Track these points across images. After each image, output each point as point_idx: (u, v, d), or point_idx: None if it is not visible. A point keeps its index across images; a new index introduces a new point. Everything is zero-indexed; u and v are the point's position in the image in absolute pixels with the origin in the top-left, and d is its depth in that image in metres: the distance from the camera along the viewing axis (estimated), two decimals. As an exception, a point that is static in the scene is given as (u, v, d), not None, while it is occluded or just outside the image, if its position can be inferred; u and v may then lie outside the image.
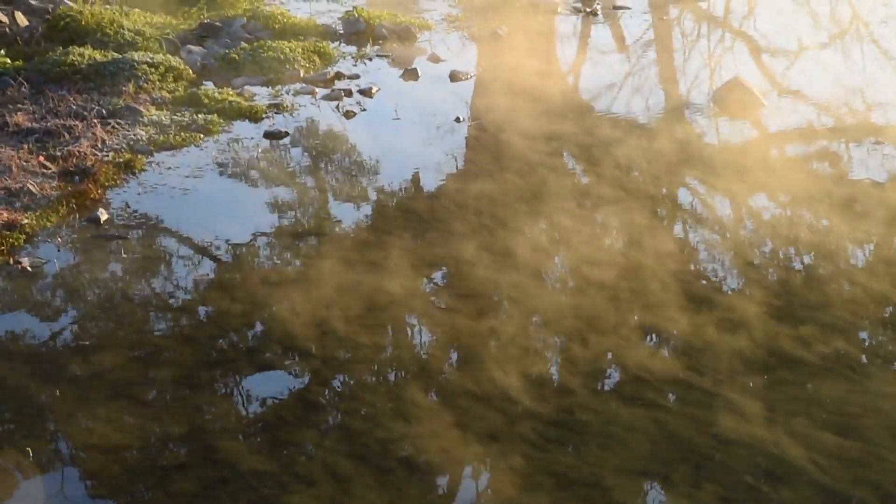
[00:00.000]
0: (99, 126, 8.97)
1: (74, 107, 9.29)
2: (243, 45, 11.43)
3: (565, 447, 5.29)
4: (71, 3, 11.68)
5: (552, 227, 7.65)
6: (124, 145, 8.81)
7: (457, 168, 8.88)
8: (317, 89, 10.55)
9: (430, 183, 8.51)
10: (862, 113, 10.46)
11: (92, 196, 7.88)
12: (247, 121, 9.65)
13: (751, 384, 5.83)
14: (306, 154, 9.09)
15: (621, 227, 7.71)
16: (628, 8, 14.29)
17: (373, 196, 8.25)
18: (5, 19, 11.14)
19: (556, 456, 5.20)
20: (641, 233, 7.51)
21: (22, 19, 11.28)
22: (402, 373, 5.89)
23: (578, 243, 7.34)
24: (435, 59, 11.79)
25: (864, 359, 6.11)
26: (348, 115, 9.99)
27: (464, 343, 6.12)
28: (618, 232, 7.68)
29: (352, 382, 5.79)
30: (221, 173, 8.54)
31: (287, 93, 10.46)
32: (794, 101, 10.87)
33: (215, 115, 9.58)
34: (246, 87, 10.45)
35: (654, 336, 6.29)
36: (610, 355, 6.08)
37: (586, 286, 6.76)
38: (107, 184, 8.13)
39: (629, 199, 8.08)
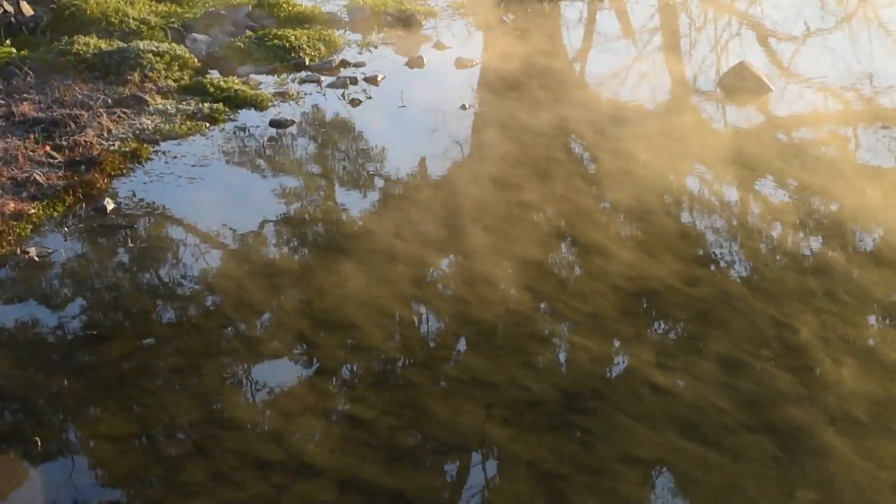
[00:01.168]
0: (105, 115, 8.96)
1: (80, 96, 9.28)
2: (248, 33, 11.41)
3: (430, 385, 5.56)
4: (76, -7, 11.66)
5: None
6: (130, 134, 8.80)
7: (462, 155, 8.87)
8: (322, 77, 10.53)
9: (436, 170, 8.50)
10: (869, 97, 10.41)
11: (98, 185, 7.88)
12: (252, 109, 9.63)
13: (632, 319, 6.18)
14: (312, 142, 9.08)
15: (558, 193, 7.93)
16: (634, -7, 14.23)
17: (379, 184, 8.24)
18: (10, 9, 11.12)
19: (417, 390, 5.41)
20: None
21: (27, 9, 11.26)
22: (408, 358, 5.90)
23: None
24: (440, 47, 11.76)
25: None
26: (354, 103, 9.97)
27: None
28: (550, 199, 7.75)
29: (360, 372, 5.79)
30: (227, 162, 8.54)
31: (293, 81, 10.44)
32: (801, 86, 10.83)
33: (221, 103, 9.57)
34: (251, 75, 10.44)
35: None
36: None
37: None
38: (113, 173, 8.13)
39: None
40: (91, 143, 8.45)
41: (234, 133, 9.12)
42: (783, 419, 5.37)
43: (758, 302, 6.42)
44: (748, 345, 5.98)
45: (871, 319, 6.31)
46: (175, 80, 10.01)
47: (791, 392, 5.58)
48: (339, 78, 10.51)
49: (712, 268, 6.97)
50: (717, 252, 7.24)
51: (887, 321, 6.31)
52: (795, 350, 5.97)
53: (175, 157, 8.54)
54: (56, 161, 8.15)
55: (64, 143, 8.42)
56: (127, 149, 8.51)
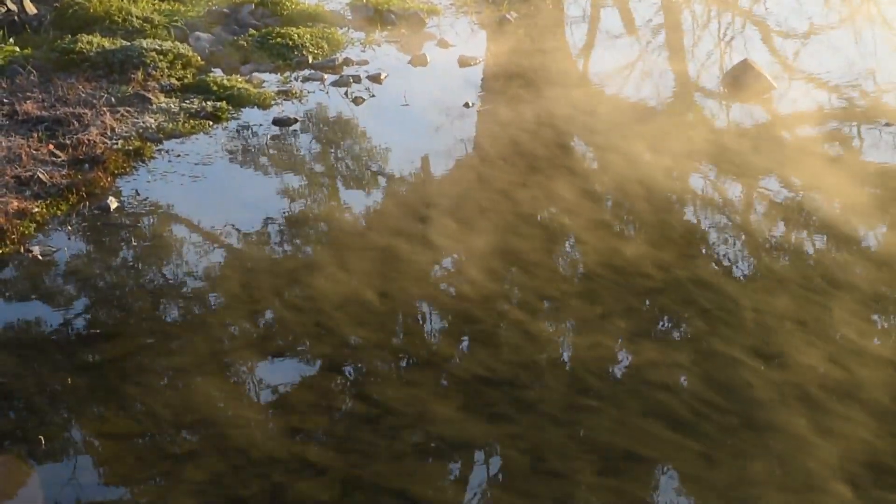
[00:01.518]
0: (108, 114, 8.97)
1: (83, 95, 9.30)
2: (251, 31, 11.42)
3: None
4: (79, -9, 11.66)
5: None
6: (133, 133, 8.82)
7: (466, 153, 8.88)
8: (325, 76, 10.53)
9: (439, 168, 8.51)
10: (873, 95, 10.40)
11: (102, 184, 7.89)
12: (256, 108, 9.64)
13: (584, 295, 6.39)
14: (315, 141, 9.09)
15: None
16: (637, -9, 14.22)
17: (382, 182, 8.25)
18: (14, 7, 11.13)
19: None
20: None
21: (30, 7, 11.28)
22: (409, 354, 5.91)
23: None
24: (444, 45, 11.76)
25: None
26: (357, 101, 9.97)
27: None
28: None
29: (365, 370, 5.80)
30: (231, 160, 8.55)
31: (296, 79, 10.45)
32: (805, 83, 10.82)
33: (224, 102, 9.57)
34: (254, 73, 10.44)
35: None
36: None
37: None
38: (116, 172, 8.14)
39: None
40: (94, 141, 8.46)
41: (238, 131, 9.12)
42: (748, 399, 5.45)
43: (730, 286, 6.55)
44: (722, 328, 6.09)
45: (839, 303, 6.35)
46: (178, 79, 10.02)
47: (757, 372, 5.66)
48: (342, 76, 10.52)
49: (685, 253, 7.05)
50: (690, 239, 7.29)
51: (854, 305, 6.37)
52: (762, 331, 6.04)
53: (178, 155, 8.55)
54: (59, 159, 8.16)
55: (67, 141, 8.43)
56: (130, 147, 8.52)
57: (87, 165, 8.14)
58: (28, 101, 9.06)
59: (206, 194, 7.93)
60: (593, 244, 7.11)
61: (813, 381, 5.62)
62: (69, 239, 7.17)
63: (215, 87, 9.81)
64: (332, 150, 8.90)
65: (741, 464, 5.04)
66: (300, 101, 9.90)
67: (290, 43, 11.06)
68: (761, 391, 5.52)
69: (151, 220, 7.49)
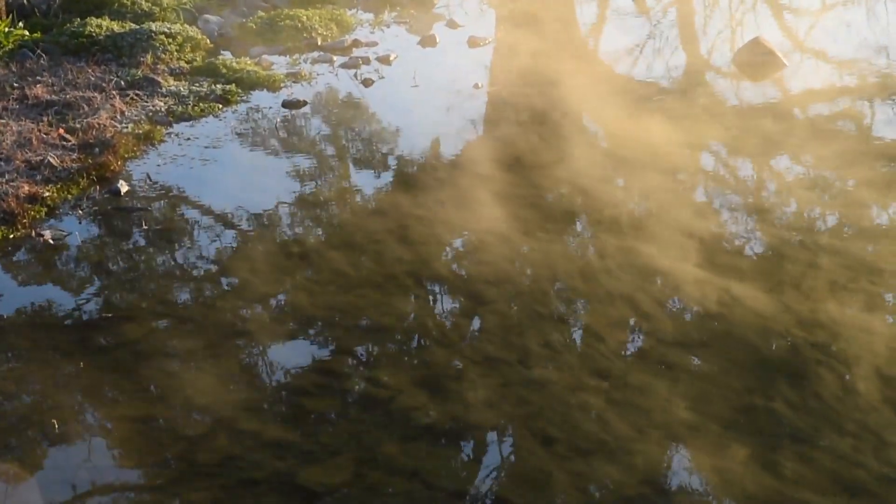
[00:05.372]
0: (118, 97, 8.97)
1: (93, 78, 9.29)
2: (260, 13, 11.40)
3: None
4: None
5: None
6: (143, 116, 8.81)
7: (476, 134, 8.86)
8: (334, 57, 10.51)
9: (449, 149, 8.49)
10: (885, 71, 10.33)
11: (112, 168, 7.89)
12: (265, 90, 9.63)
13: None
14: (325, 123, 9.08)
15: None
16: (648, -31, 14.13)
17: (392, 163, 8.23)
18: (23, -8, 11.12)
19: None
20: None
21: (39, -9, 11.26)
22: (425, 339, 5.91)
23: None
24: (453, 25, 11.72)
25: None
26: (366, 82, 9.95)
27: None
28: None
29: (375, 352, 5.80)
30: (241, 143, 8.54)
31: (305, 61, 10.43)
32: (817, 61, 10.75)
33: (233, 84, 9.56)
34: (264, 56, 10.42)
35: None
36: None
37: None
38: (126, 155, 8.15)
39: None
40: (104, 125, 8.46)
41: (247, 114, 9.12)
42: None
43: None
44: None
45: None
46: (187, 62, 10.02)
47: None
48: (351, 58, 10.49)
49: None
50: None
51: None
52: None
53: (188, 138, 8.55)
54: (70, 144, 8.16)
55: (77, 125, 8.44)
56: (140, 131, 8.52)
57: (97, 149, 8.14)
58: (38, 86, 9.06)
59: (216, 177, 7.93)
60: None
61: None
62: (80, 223, 7.18)
63: (224, 70, 9.81)
64: (342, 133, 8.88)
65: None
66: (309, 83, 9.88)
67: (300, 25, 11.04)
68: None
69: (162, 204, 7.50)
